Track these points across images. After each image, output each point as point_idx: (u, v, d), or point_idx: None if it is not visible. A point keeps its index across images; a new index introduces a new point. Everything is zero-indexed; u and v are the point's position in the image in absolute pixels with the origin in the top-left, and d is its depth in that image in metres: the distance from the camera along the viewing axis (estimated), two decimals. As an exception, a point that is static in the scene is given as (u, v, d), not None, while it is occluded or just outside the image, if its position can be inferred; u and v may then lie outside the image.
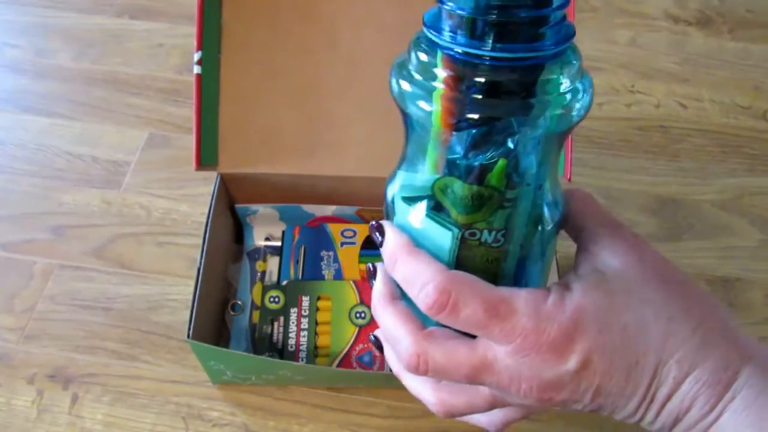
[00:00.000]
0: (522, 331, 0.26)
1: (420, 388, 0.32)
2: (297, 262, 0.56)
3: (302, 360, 0.51)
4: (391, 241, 0.29)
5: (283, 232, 0.58)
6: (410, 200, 0.29)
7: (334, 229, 0.58)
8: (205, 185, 0.62)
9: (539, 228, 0.29)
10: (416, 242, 0.29)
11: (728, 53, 0.81)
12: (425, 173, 0.28)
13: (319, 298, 0.54)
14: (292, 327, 0.52)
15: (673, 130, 0.72)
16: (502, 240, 0.28)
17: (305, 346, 0.51)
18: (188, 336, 0.44)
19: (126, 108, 0.72)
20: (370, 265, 0.32)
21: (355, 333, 0.51)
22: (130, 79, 0.75)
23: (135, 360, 0.53)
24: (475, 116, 0.25)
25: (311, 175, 0.54)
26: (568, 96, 0.26)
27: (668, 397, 0.26)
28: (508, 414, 0.32)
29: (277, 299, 0.54)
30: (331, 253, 0.57)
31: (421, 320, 0.30)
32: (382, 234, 0.30)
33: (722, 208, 0.65)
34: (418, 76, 0.26)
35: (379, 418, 0.51)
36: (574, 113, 0.26)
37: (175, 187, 0.65)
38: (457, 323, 0.27)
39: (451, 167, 0.27)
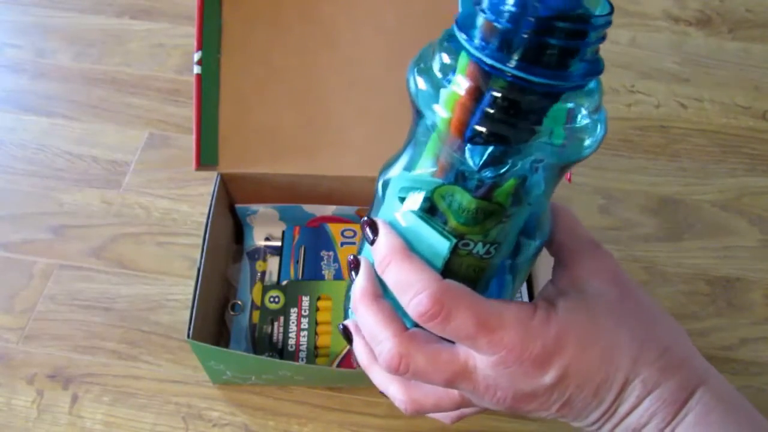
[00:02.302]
0: (508, 344, 0.27)
1: (388, 384, 0.33)
2: (297, 262, 0.56)
3: (302, 360, 0.51)
4: (385, 242, 0.29)
5: (283, 232, 0.58)
6: (407, 201, 0.29)
7: (334, 229, 0.58)
8: (205, 185, 0.62)
9: (526, 244, 0.30)
10: (408, 244, 0.29)
11: (728, 53, 0.81)
12: (428, 177, 0.28)
13: (319, 298, 0.54)
14: (292, 327, 0.52)
15: (673, 130, 0.72)
16: (493, 252, 0.28)
17: (305, 346, 0.51)
18: (188, 336, 0.44)
19: (126, 108, 0.72)
20: (352, 257, 0.32)
21: (355, 333, 0.51)
22: (130, 79, 0.75)
23: (135, 360, 0.53)
24: (487, 131, 0.25)
25: (311, 175, 0.54)
26: (587, 127, 0.26)
27: (628, 413, 0.28)
28: (465, 411, 0.33)
29: (277, 299, 0.54)
30: (331, 253, 0.57)
31: (402, 320, 0.30)
32: (375, 232, 0.30)
33: (722, 208, 0.65)
34: (438, 77, 0.26)
35: (379, 418, 0.51)
36: (589, 144, 0.26)
37: (175, 187, 0.65)
38: (444, 332, 0.28)
39: (459, 178, 0.27)
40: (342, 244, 0.57)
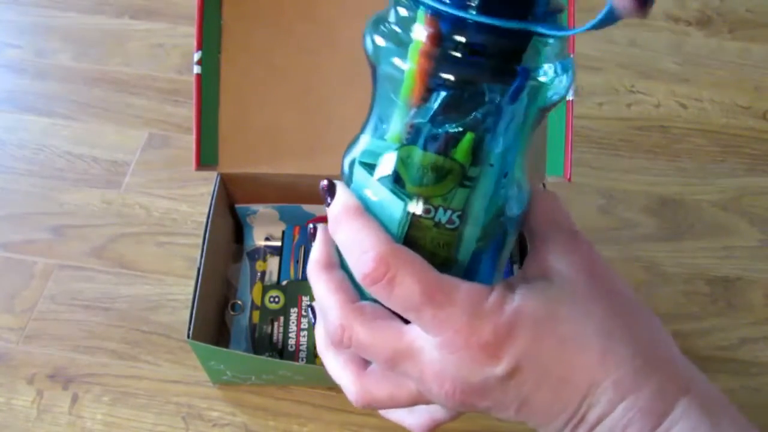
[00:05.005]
0: (455, 324, 0.25)
1: (341, 373, 0.30)
2: (297, 262, 0.56)
3: (302, 360, 0.51)
4: (340, 202, 0.27)
5: (283, 232, 0.58)
6: (368, 166, 0.28)
7: (334, 229, 0.58)
8: (205, 185, 0.62)
9: (499, 219, 0.28)
10: (369, 211, 0.27)
11: (728, 53, 0.81)
12: (389, 140, 0.27)
13: (319, 298, 0.54)
14: (292, 327, 0.52)
15: (673, 130, 0.72)
16: (456, 222, 0.26)
17: (305, 346, 0.51)
18: (188, 336, 0.44)
19: (126, 108, 0.72)
20: (311, 227, 0.30)
21: (355, 333, 0.51)
22: (130, 79, 0.75)
23: (135, 360, 0.53)
24: (453, 78, 0.23)
25: (311, 175, 0.54)
26: (551, 71, 0.24)
27: (599, 420, 0.25)
28: (436, 416, 0.31)
29: (277, 299, 0.54)
30: (331, 253, 0.57)
31: (356, 293, 0.28)
32: (332, 194, 0.28)
33: (722, 208, 0.65)
34: (396, 32, 0.25)
35: (379, 418, 0.50)
36: (555, 90, 0.25)
37: (175, 187, 0.65)
38: (389, 300, 0.26)
39: (415, 133, 0.26)
40: (342, 244, 0.57)
